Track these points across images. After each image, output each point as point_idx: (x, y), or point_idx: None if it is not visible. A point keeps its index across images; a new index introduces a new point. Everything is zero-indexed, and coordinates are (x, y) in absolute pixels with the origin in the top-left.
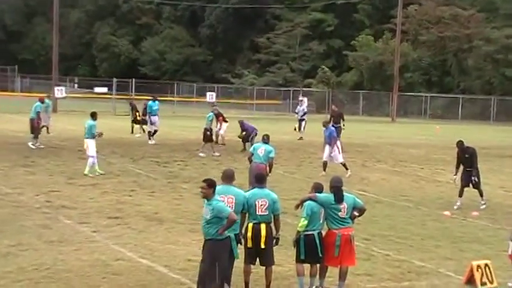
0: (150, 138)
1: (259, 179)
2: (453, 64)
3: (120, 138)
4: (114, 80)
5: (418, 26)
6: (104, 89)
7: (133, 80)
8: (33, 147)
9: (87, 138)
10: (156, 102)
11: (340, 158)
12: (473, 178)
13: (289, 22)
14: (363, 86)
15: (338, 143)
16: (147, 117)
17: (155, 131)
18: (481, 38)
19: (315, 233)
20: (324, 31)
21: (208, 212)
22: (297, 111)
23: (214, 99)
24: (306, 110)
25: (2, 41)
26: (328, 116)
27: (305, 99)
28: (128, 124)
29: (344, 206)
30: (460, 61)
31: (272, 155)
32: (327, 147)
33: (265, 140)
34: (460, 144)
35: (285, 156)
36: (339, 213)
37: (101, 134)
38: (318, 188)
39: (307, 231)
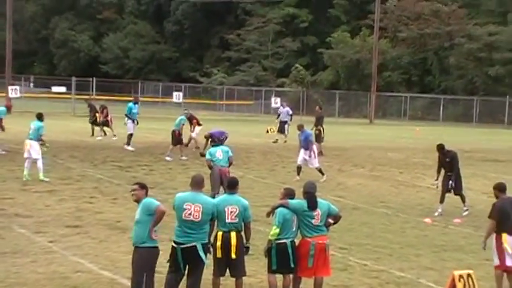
0: (128, 144)
1: (231, 185)
2: (434, 63)
3: (80, 141)
4: (73, 78)
5: (397, 23)
6: (62, 89)
7: (94, 78)
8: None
9: (31, 139)
10: (137, 105)
11: (315, 163)
12: (450, 183)
13: (261, 18)
14: (339, 85)
15: (314, 147)
16: (125, 119)
17: (130, 136)
18: (463, 35)
19: (288, 241)
20: (297, 27)
21: (137, 212)
22: (279, 111)
23: (181, 99)
24: (291, 112)
25: None
26: (303, 118)
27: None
28: (88, 126)
29: (318, 213)
30: (441, 59)
31: (230, 153)
32: (302, 151)
33: (217, 142)
34: (440, 147)
35: (256, 160)
36: (313, 221)
37: (44, 144)
38: (290, 194)
39: (279, 239)
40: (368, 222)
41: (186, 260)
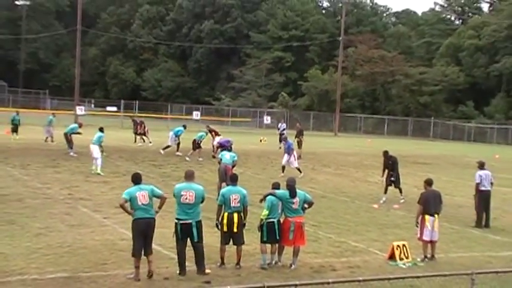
0: (164, 149)
1: (232, 179)
2: (381, 92)
3: (126, 146)
4: (122, 101)
5: (355, 64)
6: (114, 108)
7: (137, 101)
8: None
9: (94, 144)
10: (182, 129)
11: (295, 164)
12: (392, 179)
13: (257, 58)
14: (313, 107)
15: (294, 152)
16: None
17: (168, 146)
18: (401, 73)
19: (275, 220)
20: (283, 66)
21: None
22: (279, 127)
23: (199, 117)
24: (285, 127)
25: (36, 71)
26: (287, 131)
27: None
28: (132, 135)
29: (297, 200)
30: (386, 90)
31: (235, 158)
32: (286, 156)
33: (228, 149)
34: (385, 153)
35: (252, 162)
36: (293, 206)
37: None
38: (276, 186)
39: (268, 219)
40: (332, 207)
41: (184, 232)
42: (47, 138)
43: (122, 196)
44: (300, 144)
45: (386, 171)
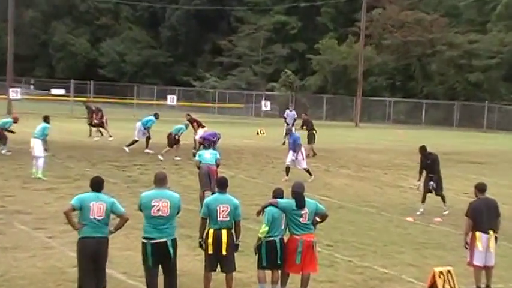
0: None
1: (221, 184)
2: (417, 69)
3: (78, 141)
4: (72, 81)
5: (382, 30)
6: (61, 91)
7: (92, 81)
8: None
9: (35, 138)
10: (153, 119)
11: (303, 164)
12: (431, 183)
13: (252, 25)
14: (327, 90)
15: (302, 149)
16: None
17: (135, 141)
18: (444, 42)
19: (277, 239)
20: (287, 34)
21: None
22: (285, 115)
23: (175, 102)
24: (295, 116)
25: None
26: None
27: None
28: (87, 127)
29: (305, 211)
30: (423, 66)
31: (218, 156)
32: (290, 153)
33: (207, 147)
34: (422, 149)
35: (247, 161)
36: (300, 219)
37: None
38: (279, 194)
39: (268, 237)
40: (353, 221)
41: (156, 255)
42: None
43: (70, 202)
44: (311, 138)
45: (424, 173)
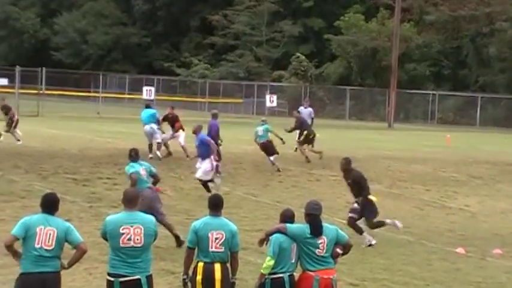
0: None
1: (214, 205)
2: (470, 53)
3: (25, 147)
4: (18, 68)
5: (424, 2)
6: (4, 81)
7: (44, 69)
8: None
9: None
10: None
11: (210, 175)
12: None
13: None
14: (351, 80)
15: (212, 156)
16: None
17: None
18: (506, 18)
19: (285, 275)
20: (299, 7)
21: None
22: (299, 110)
23: (153, 96)
24: (311, 112)
25: None
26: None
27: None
28: (36, 128)
29: (323, 240)
30: (479, 49)
31: (153, 169)
32: (200, 161)
33: (134, 157)
34: (344, 165)
35: (246, 173)
36: (317, 250)
37: None
38: (288, 217)
39: (274, 273)
40: (385, 252)
41: None
42: None
43: (12, 231)
44: (308, 138)
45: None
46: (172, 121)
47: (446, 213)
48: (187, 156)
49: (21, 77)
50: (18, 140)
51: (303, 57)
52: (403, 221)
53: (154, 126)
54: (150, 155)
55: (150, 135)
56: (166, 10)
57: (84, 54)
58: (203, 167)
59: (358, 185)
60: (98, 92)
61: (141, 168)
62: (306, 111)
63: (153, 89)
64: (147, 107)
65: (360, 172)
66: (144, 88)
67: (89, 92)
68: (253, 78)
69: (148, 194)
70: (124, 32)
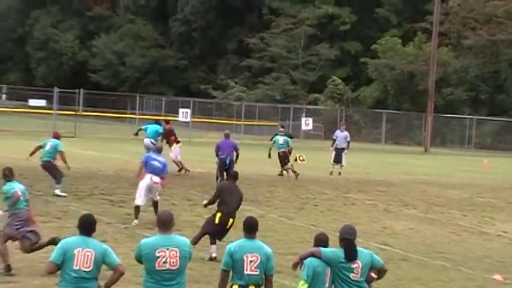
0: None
1: (249, 227)
2: (508, 77)
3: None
4: (56, 90)
5: (461, 27)
6: (42, 102)
7: (82, 90)
8: None
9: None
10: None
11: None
12: None
13: (291, 18)
14: (387, 104)
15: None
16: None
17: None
18: None
19: None
20: (336, 31)
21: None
22: (335, 137)
23: (189, 118)
24: (349, 138)
25: None
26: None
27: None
28: (73, 149)
29: (358, 265)
30: None
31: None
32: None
33: (9, 176)
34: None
35: (281, 196)
36: (351, 275)
37: None
38: (323, 241)
39: None
40: (421, 278)
41: None
42: None
43: (50, 258)
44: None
45: None
46: (167, 136)
47: (484, 239)
48: (182, 169)
49: (59, 98)
50: None
51: (339, 80)
52: (439, 246)
53: (153, 141)
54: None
55: (147, 149)
56: (202, 33)
57: (122, 76)
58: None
59: None
60: (134, 114)
61: (18, 189)
62: (341, 134)
63: (189, 111)
64: (156, 122)
65: None
66: (181, 110)
67: (126, 113)
68: (289, 101)
69: (26, 215)
70: (161, 54)
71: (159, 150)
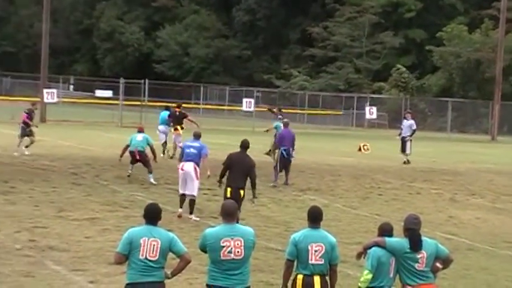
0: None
1: (314, 217)
2: None
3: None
4: (122, 80)
5: None
6: (108, 93)
7: (147, 81)
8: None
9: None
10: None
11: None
12: None
13: (355, 6)
14: (453, 92)
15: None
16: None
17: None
18: None
19: None
20: (401, 18)
21: None
22: (403, 126)
23: (252, 108)
24: (415, 126)
25: None
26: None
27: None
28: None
29: (423, 255)
30: None
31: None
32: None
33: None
34: None
35: (345, 186)
36: (416, 265)
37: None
38: (387, 230)
39: (372, 287)
40: (488, 268)
41: None
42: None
43: (117, 249)
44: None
45: None
46: (179, 120)
47: None
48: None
49: (124, 89)
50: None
51: (404, 68)
52: (507, 236)
53: (163, 128)
54: (162, 155)
55: (164, 134)
56: (266, 22)
57: (186, 67)
58: None
59: None
60: (198, 104)
61: None
62: (407, 123)
63: (252, 101)
64: (166, 108)
65: None
66: (244, 100)
67: (190, 103)
68: (352, 90)
69: None
70: (225, 45)
71: (196, 136)
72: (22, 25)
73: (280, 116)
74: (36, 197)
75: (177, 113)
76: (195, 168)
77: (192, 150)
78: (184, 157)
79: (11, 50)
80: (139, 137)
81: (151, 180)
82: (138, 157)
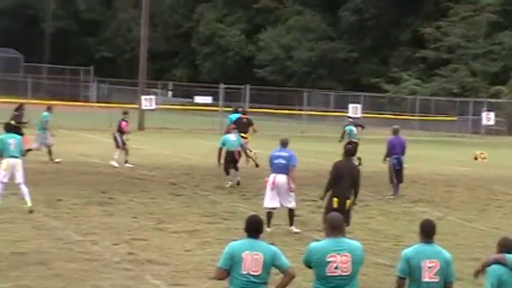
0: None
1: (427, 231)
2: None
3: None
4: (222, 86)
5: None
6: (208, 99)
7: (248, 86)
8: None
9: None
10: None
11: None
12: None
13: (471, 5)
14: None
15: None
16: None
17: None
18: None
19: None
20: None
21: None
22: None
23: (359, 114)
24: None
25: (73, 34)
26: None
27: None
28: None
29: None
30: None
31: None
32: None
33: None
34: None
35: (460, 197)
36: None
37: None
38: (507, 246)
39: None
40: None
41: None
42: (37, 148)
43: (218, 263)
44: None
45: None
46: (243, 127)
47: None
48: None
49: (225, 95)
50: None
51: None
52: None
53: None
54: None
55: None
56: (375, 22)
57: (289, 71)
58: None
59: None
60: (301, 110)
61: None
62: None
63: (359, 106)
64: (236, 111)
65: None
66: (350, 105)
67: (294, 109)
68: (468, 94)
69: None
70: (330, 47)
71: (283, 144)
72: (120, 29)
73: (350, 119)
74: (135, 208)
75: (244, 120)
76: (289, 181)
77: (281, 161)
78: (273, 169)
79: (109, 56)
80: (233, 137)
81: (238, 178)
82: (237, 157)
